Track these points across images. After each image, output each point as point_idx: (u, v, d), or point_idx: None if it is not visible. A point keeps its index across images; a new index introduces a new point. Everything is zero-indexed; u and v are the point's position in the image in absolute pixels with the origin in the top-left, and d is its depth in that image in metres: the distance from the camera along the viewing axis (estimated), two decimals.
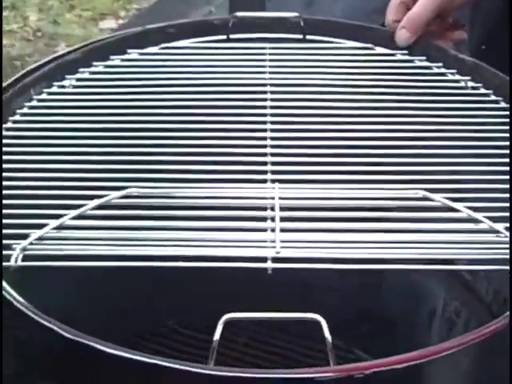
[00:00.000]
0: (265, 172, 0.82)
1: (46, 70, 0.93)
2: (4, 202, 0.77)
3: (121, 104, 0.89)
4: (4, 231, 0.74)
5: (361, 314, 1.11)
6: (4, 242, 0.73)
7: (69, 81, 0.93)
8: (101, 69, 0.96)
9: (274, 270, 0.71)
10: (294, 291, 1.09)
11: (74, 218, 0.75)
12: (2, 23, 1.47)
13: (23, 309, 0.66)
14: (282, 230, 0.74)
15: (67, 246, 0.73)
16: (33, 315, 0.65)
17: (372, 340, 1.10)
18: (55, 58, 0.94)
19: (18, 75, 0.91)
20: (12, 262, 0.71)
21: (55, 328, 0.64)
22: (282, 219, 0.75)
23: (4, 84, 0.90)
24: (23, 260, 0.71)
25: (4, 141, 0.85)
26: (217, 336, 0.64)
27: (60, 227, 0.74)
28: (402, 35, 0.98)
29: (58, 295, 0.92)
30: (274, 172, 0.82)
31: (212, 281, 0.97)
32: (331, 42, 1.01)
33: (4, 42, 2.49)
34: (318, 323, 0.67)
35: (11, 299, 0.67)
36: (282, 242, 0.73)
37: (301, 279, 1.08)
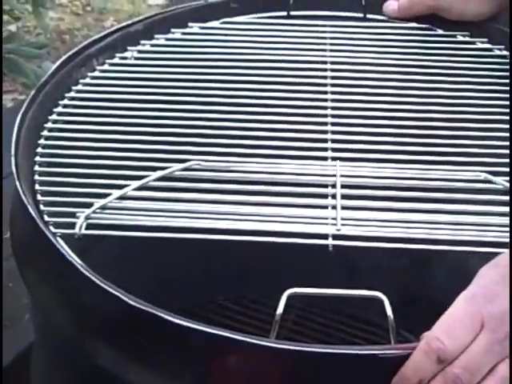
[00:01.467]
0: (326, 149, 0.82)
1: (108, 40, 0.93)
2: (69, 170, 0.78)
3: (182, 77, 0.90)
4: (69, 199, 0.75)
5: (409, 296, 1.10)
6: (69, 209, 0.74)
7: (130, 52, 0.94)
8: (162, 41, 0.96)
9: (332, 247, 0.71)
10: (341, 272, 1.10)
11: (136, 189, 0.76)
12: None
13: (89, 275, 0.67)
14: (343, 208, 0.74)
15: (128, 217, 0.74)
16: (99, 282, 0.66)
17: (419, 322, 1.10)
18: (118, 30, 0.94)
19: (79, 47, 0.91)
20: (76, 230, 0.72)
21: (120, 295, 0.65)
22: (343, 197, 0.76)
23: (64, 56, 0.90)
24: (86, 228, 0.72)
25: (68, 109, 0.86)
26: (280, 310, 0.64)
27: (122, 197, 0.75)
28: (390, 6, 1.00)
29: (111, 265, 0.94)
30: (335, 150, 0.82)
31: (256, 257, 0.99)
32: (391, 22, 1.01)
33: (54, 15, 2.50)
34: (375, 301, 0.66)
35: (77, 265, 0.68)
36: (343, 219, 0.74)
37: (349, 260, 1.09)
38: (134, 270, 0.98)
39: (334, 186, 0.77)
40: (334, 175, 0.78)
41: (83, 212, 0.73)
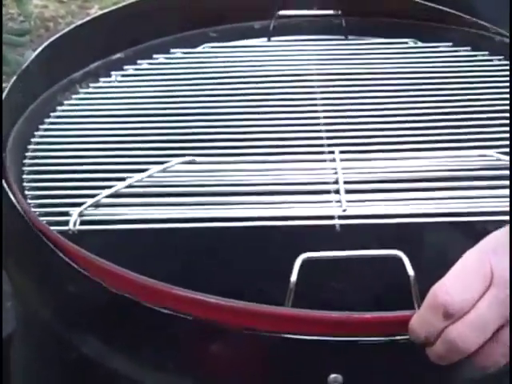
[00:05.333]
0: (322, 145, 0.80)
1: (92, 67, 0.92)
2: (57, 176, 0.76)
3: (168, 94, 0.89)
4: (60, 200, 0.73)
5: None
6: (61, 209, 0.72)
7: (115, 76, 0.93)
8: (145, 66, 0.95)
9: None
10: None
11: (127, 187, 0.74)
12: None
13: (71, 263, 0.65)
14: (348, 201, 0.72)
15: (121, 211, 0.71)
16: (81, 270, 0.64)
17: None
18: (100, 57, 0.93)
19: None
20: (71, 226, 0.69)
21: (103, 283, 0.63)
22: (347, 192, 0.73)
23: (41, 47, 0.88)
24: (80, 224, 0.70)
25: (54, 126, 0.84)
26: (294, 277, 0.61)
27: (113, 195, 0.73)
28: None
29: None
30: (331, 145, 0.80)
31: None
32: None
33: (38, 2, 2.42)
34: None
35: (59, 253, 0.66)
36: (348, 201, 0.71)
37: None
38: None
39: (336, 182, 0.74)
40: (335, 171, 0.76)
41: (75, 210, 0.70)
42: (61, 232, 0.68)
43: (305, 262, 0.61)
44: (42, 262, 0.68)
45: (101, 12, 0.96)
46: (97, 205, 0.72)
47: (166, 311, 0.61)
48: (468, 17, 1.00)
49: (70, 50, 0.89)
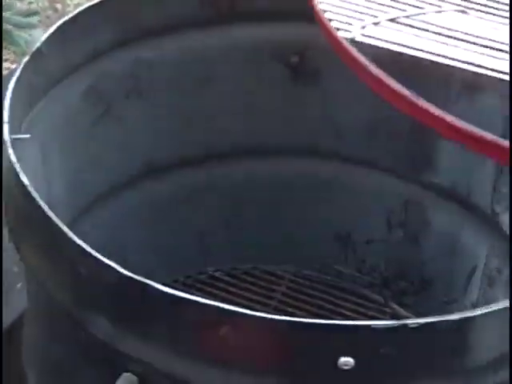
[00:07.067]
0: None
1: None
2: None
3: None
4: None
5: (400, 270, 1.08)
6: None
7: None
8: None
9: None
10: (332, 245, 1.08)
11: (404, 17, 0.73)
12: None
13: (83, 246, 0.65)
14: None
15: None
16: (93, 252, 0.64)
17: (409, 296, 1.08)
18: None
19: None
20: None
21: (113, 265, 0.63)
22: None
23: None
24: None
25: None
26: None
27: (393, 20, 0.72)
28: None
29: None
30: None
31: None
32: None
33: None
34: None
35: (71, 236, 0.66)
36: None
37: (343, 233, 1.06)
38: (123, 242, 0.95)
39: None
40: None
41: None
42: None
43: None
44: (54, 244, 0.68)
45: None
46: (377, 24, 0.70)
47: (174, 293, 0.61)
48: None
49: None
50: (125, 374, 0.64)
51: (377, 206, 1.05)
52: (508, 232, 0.97)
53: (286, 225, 1.06)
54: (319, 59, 0.98)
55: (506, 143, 0.59)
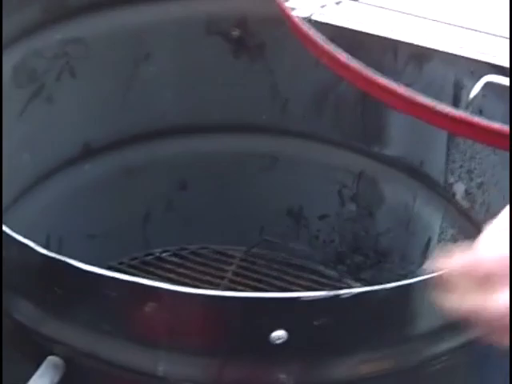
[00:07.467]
0: None
1: None
2: None
3: None
4: None
5: (355, 244, 1.07)
6: None
7: None
8: None
9: None
10: (284, 222, 1.06)
11: None
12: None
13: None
14: None
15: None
16: (11, 233, 0.61)
17: (364, 270, 1.07)
18: None
19: None
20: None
21: (32, 245, 0.60)
22: None
23: None
24: None
25: None
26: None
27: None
28: None
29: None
30: None
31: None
32: None
33: None
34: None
35: None
36: None
37: (296, 208, 1.04)
38: (61, 226, 0.92)
39: None
40: None
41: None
42: None
43: None
44: None
45: None
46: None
47: (96, 271, 0.59)
48: None
49: None
50: (49, 358, 0.61)
51: (328, 180, 1.04)
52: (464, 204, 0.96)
53: (234, 202, 1.04)
54: (262, 32, 0.96)
55: (458, 113, 0.59)
